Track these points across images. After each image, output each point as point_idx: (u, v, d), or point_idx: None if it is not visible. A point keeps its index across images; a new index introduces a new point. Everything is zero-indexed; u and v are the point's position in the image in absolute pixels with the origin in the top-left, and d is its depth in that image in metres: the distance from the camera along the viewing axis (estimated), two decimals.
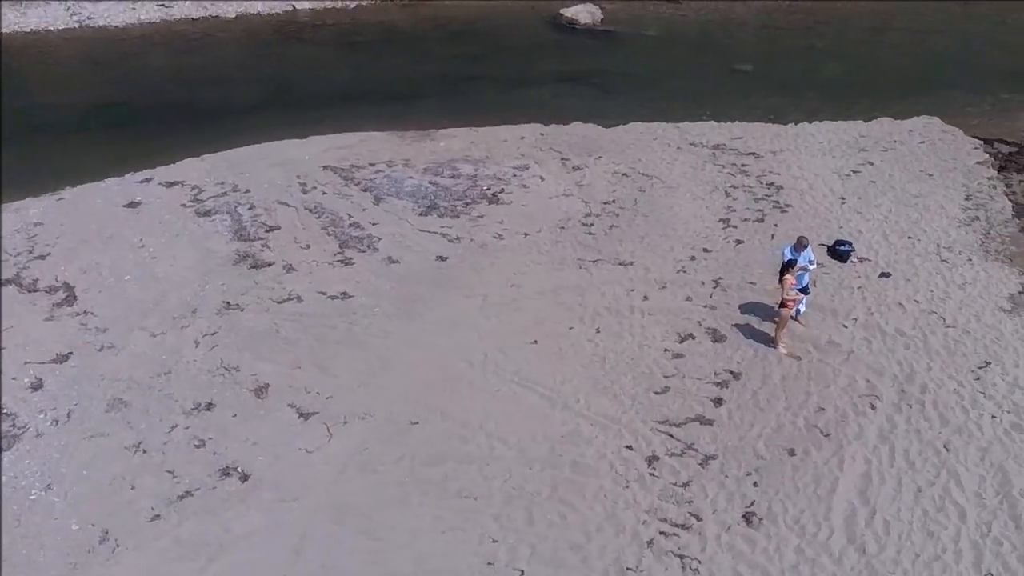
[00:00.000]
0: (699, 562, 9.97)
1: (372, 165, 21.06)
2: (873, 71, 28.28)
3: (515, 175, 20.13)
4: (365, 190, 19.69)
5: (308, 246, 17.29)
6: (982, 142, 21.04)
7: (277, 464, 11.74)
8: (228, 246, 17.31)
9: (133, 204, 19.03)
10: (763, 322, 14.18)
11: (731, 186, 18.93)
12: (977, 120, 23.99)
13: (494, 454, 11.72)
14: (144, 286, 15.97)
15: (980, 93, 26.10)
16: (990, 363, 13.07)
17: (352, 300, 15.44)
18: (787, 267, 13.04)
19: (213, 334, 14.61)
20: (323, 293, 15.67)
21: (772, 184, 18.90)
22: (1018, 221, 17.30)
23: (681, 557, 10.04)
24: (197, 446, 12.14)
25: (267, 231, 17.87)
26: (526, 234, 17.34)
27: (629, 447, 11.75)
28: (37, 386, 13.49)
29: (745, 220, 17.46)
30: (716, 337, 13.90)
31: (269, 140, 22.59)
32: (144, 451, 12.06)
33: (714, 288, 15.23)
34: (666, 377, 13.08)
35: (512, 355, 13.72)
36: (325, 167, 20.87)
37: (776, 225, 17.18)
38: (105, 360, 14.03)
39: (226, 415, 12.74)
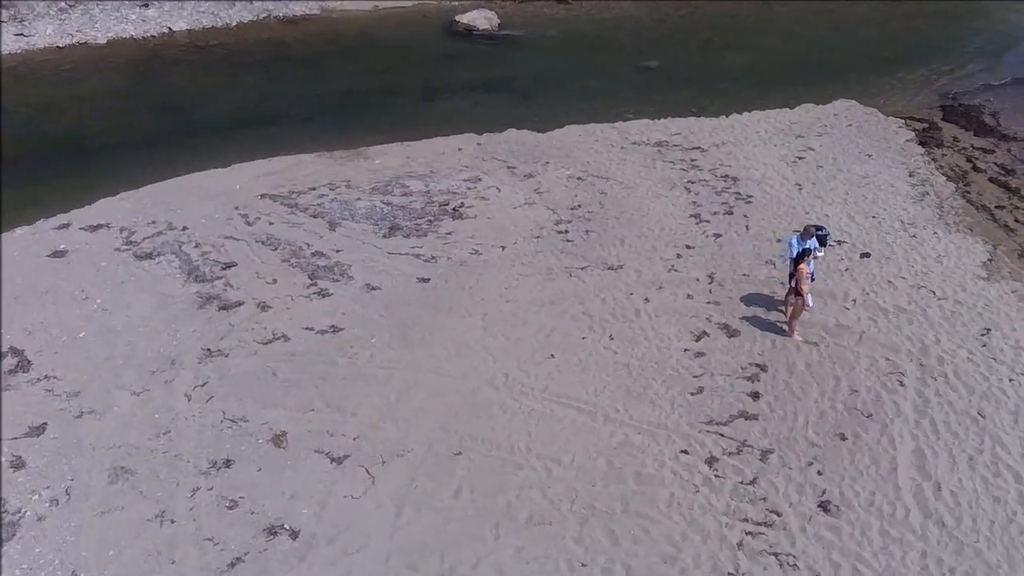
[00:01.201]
0: (794, 557, 10.20)
1: (313, 189, 20.36)
2: (773, 61, 29.68)
3: (470, 188, 19.95)
4: (315, 216, 19.02)
5: (275, 280, 16.54)
6: (903, 120, 22.43)
7: (325, 515, 11.18)
8: (185, 289, 16.33)
9: (58, 253, 17.64)
10: (769, 312, 14.65)
11: (688, 182, 19.44)
12: (882, 100, 25.68)
13: (552, 476, 11.57)
14: (105, 341, 14.84)
15: (871, 76, 27.91)
16: (990, 329, 14.02)
17: (343, 333, 14.88)
18: (802, 256, 13.50)
19: (203, 385, 13.76)
20: (310, 329, 15.03)
21: (727, 176, 19.56)
22: (962, 192, 18.59)
23: (775, 555, 10.24)
24: (229, 507, 11.40)
25: (223, 269, 16.99)
26: (503, 247, 17.22)
27: (684, 451, 11.88)
28: (18, 465, 12.33)
29: (715, 214, 17.98)
30: (730, 332, 14.25)
31: (184, 172, 21.42)
32: (172, 520, 11.22)
33: (710, 284, 15.60)
34: (695, 377, 13.30)
35: (533, 372, 13.60)
36: (263, 196, 20.02)
37: (746, 216, 17.78)
38: (89, 427, 12.96)
39: (249, 470, 12.02)
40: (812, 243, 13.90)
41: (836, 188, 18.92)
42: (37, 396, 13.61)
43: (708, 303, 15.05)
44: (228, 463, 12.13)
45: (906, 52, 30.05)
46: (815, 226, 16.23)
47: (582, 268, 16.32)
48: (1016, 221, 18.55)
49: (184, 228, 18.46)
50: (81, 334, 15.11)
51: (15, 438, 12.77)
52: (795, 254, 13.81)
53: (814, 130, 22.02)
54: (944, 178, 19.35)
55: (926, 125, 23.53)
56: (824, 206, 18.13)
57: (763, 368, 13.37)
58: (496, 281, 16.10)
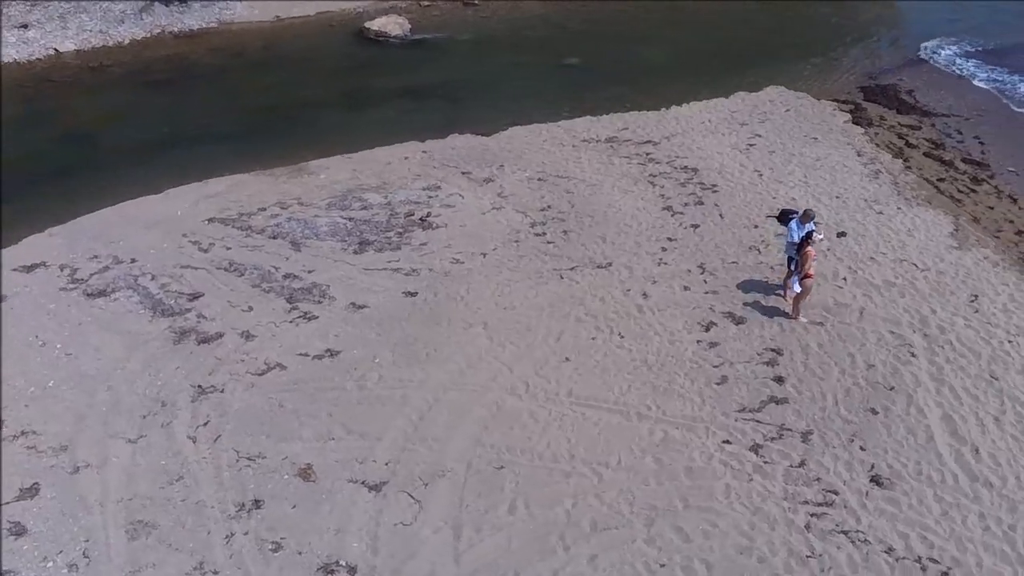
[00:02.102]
0: (863, 533, 10.52)
1: (263, 210, 19.64)
2: (688, 53, 30.55)
3: (431, 196, 19.68)
4: (275, 237, 18.35)
5: (250, 308, 15.87)
6: (835, 103, 23.51)
7: (380, 547, 10.80)
8: (154, 325, 15.47)
9: None
10: (768, 297, 15.08)
11: (650, 175, 19.79)
12: (803, 85, 26.83)
13: (604, 480, 11.55)
14: (81, 388, 13.90)
15: (783, 64, 29.15)
16: (977, 296, 14.86)
17: (342, 356, 14.42)
18: (806, 240, 13.93)
19: (205, 424, 13.05)
20: (305, 355, 14.49)
21: (686, 168, 20.00)
22: (910, 168, 19.64)
23: (844, 533, 10.54)
24: (273, 550, 10.86)
25: (190, 300, 16.19)
26: (483, 254, 17.07)
27: (727, 441, 12.07)
28: (19, 531, 11.40)
29: (686, 205, 18.36)
30: (736, 320, 14.57)
31: (111, 202, 20.28)
32: (214, 572, 10.60)
33: (702, 274, 15.92)
34: (715, 367, 13.53)
35: (553, 377, 13.53)
36: (210, 220, 19.19)
37: (717, 205, 18.24)
38: (89, 482, 12.10)
39: (282, 509, 11.49)
40: (810, 226, 14.35)
41: (794, 172, 19.63)
42: (20, 455, 12.61)
43: (706, 293, 15.34)
44: (257, 504, 11.54)
45: (812, 39, 31.60)
46: (783, 211, 16.82)
47: (571, 269, 16.34)
48: (960, 192, 19.71)
49: (133, 261, 17.48)
50: (50, 383, 14.09)
51: (7, 503, 11.78)
52: (796, 238, 14.22)
53: (755, 117, 22.78)
54: (890, 155, 20.34)
55: (852, 107, 24.71)
56: (787, 190, 18.78)
57: (779, 352, 13.73)
58: (487, 289, 15.92)
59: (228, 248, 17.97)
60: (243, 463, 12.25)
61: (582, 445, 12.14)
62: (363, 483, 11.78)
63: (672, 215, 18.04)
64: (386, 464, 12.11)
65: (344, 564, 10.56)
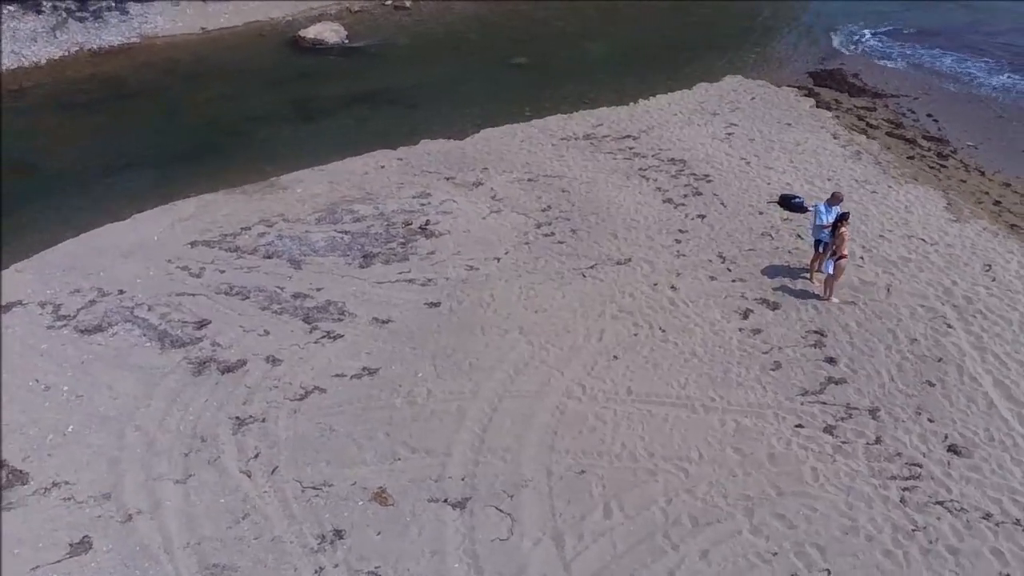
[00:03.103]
0: (958, 502, 10.85)
1: (247, 229, 18.94)
2: (633, 47, 31.01)
3: (423, 204, 19.34)
4: (270, 257, 17.71)
5: (267, 332, 15.25)
6: (796, 89, 24.24)
7: (484, 565, 10.52)
8: (166, 357, 14.72)
9: None
10: (795, 280, 15.41)
11: (640, 169, 19.95)
12: (755, 75, 27.59)
13: (691, 475, 11.56)
14: (106, 431, 13.10)
15: (730, 52, 30.01)
16: (990, 265, 15.53)
17: (381, 374, 14.01)
18: (840, 221, 14.27)
19: (256, 457, 12.47)
20: (342, 375, 14.03)
21: (674, 160, 20.26)
22: (888, 148, 20.41)
23: (940, 503, 10.85)
24: None
25: (197, 328, 15.47)
26: (497, 259, 16.87)
27: (800, 425, 12.26)
28: None
29: (685, 196, 18.58)
30: (771, 305, 14.82)
31: (73, 233, 19.21)
32: None
33: (723, 263, 16.14)
34: (764, 354, 13.74)
35: (607, 377, 13.48)
36: (192, 244, 18.39)
37: (716, 195, 18.54)
38: (146, 530, 11.40)
39: (368, 536, 11.08)
40: (838, 209, 14.71)
41: (779, 157, 20.13)
42: (57, 507, 11.78)
43: (733, 281, 15.55)
44: (339, 534, 11.09)
45: (746, 30, 32.61)
46: (783, 196, 17.26)
47: (591, 267, 16.31)
48: (931, 168, 20.60)
49: (121, 292, 16.58)
50: (68, 428, 13.23)
51: (58, 561, 10.98)
52: (826, 221, 14.56)
53: (725, 106, 23.26)
54: (865, 137, 21.08)
55: (806, 91, 25.50)
56: (778, 175, 19.23)
57: (822, 333, 14.03)
58: (511, 293, 15.74)
59: (222, 271, 17.24)
60: (310, 493, 11.74)
61: (658, 442, 12.11)
62: (445, 501, 11.45)
63: (675, 207, 18.21)
64: (462, 479, 11.81)
65: None
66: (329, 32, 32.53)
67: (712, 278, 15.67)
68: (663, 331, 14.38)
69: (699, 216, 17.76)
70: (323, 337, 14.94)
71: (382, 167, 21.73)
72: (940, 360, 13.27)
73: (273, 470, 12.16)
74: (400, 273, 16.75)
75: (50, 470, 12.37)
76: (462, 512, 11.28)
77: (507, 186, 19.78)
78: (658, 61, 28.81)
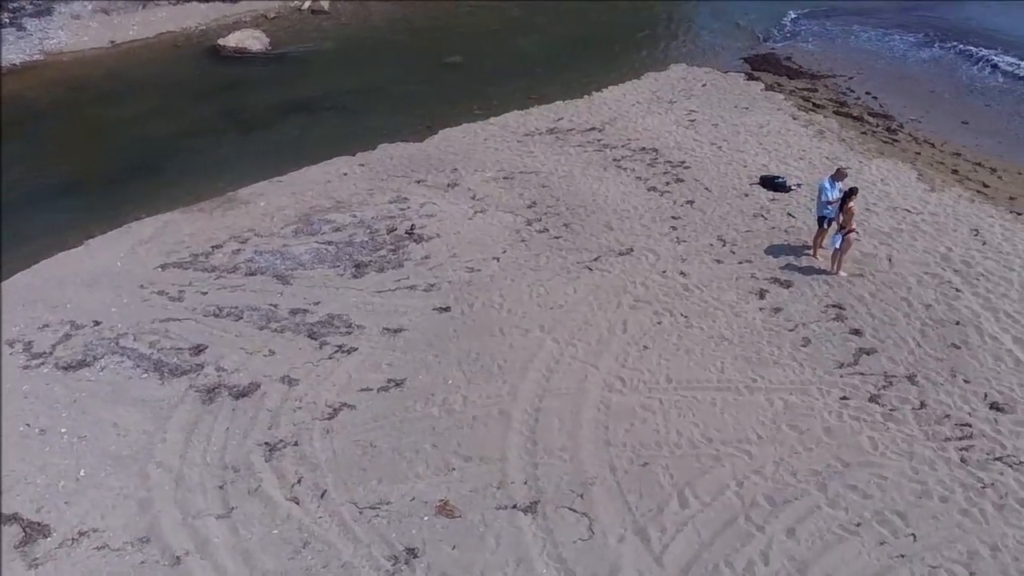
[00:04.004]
0: (1015, 456, 11.29)
1: (218, 247, 18.15)
2: (567, 42, 31.16)
3: (402, 209, 18.92)
4: (252, 274, 17.00)
5: (272, 352, 14.63)
6: (744, 74, 24.84)
7: (573, 567, 10.31)
8: (168, 388, 13.95)
9: None
10: (799, 258, 15.77)
11: (614, 160, 20.06)
12: (693, 62, 28.17)
13: (755, 456, 11.64)
14: (125, 471, 12.30)
15: (662, 43, 30.64)
16: (976, 230, 16.26)
17: (409, 384, 13.61)
18: (848, 196, 14.64)
19: (299, 482, 11.92)
20: (368, 390, 13.56)
21: (645, 149, 20.45)
22: (846, 125, 21.15)
23: (999, 459, 11.26)
24: None
25: (194, 354, 14.72)
26: (496, 259, 16.65)
27: (845, 398, 12.53)
28: None
29: (668, 184, 18.77)
30: (783, 284, 15.11)
31: (22, 266, 17.99)
32: None
33: (723, 246, 16.37)
34: (790, 331, 13.99)
35: (644, 367, 13.45)
36: (162, 267, 17.53)
37: (697, 180, 18.80)
38: (199, 572, 10.73)
39: (443, 551, 10.72)
40: (841, 184, 15.10)
41: (748, 140, 20.56)
42: (93, 558, 10.98)
43: (740, 263, 15.78)
44: (412, 553, 10.68)
45: (679, 18, 33.29)
46: (763, 177, 17.67)
47: (595, 259, 16.28)
48: (884, 143, 21.44)
49: (97, 323, 15.64)
50: (80, 473, 12.34)
51: None
52: (832, 196, 14.93)
53: (679, 94, 23.63)
54: (822, 116, 21.77)
55: (750, 76, 26.17)
56: (752, 157, 19.65)
57: (840, 307, 14.38)
58: (521, 292, 15.54)
59: (204, 293, 16.43)
60: (369, 514, 11.27)
61: (713, 427, 12.15)
62: (514, 507, 11.18)
63: (660, 195, 18.36)
64: (525, 483, 11.56)
65: None
66: (251, 40, 31.47)
67: (718, 261, 15.85)
68: (685, 317, 14.44)
69: (688, 202, 17.95)
70: (336, 352, 14.39)
71: (345, 174, 21.15)
72: (958, 323, 13.79)
73: (322, 494, 11.61)
74: (398, 280, 16.30)
75: (72, 519, 11.50)
76: (535, 516, 11.03)
77: (484, 185, 19.52)
78: (593, 55, 29.04)
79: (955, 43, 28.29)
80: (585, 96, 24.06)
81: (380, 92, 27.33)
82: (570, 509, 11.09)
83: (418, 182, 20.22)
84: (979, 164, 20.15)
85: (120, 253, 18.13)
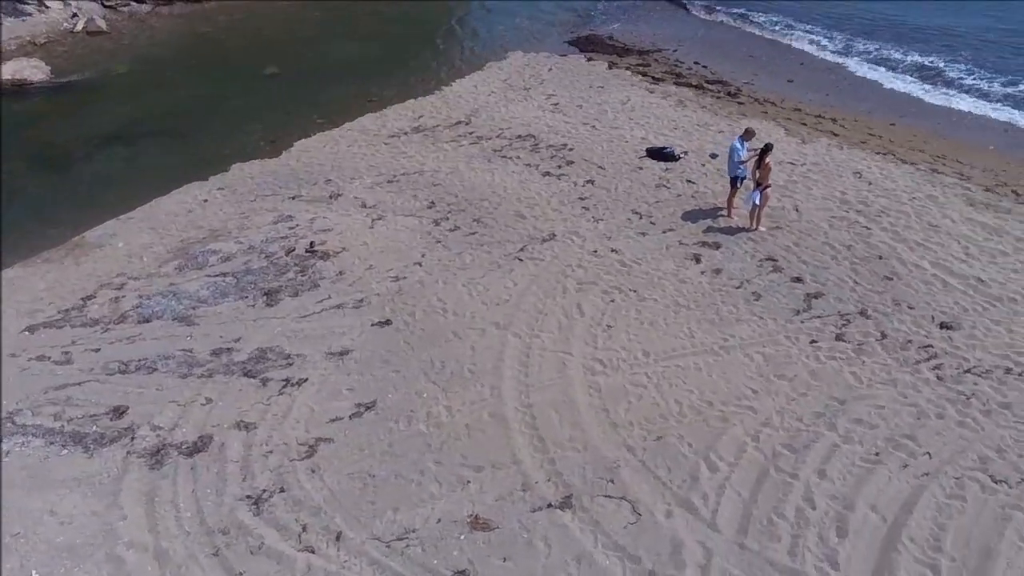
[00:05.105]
0: (980, 365, 12.46)
1: (90, 299, 16.45)
2: (379, 46, 30.71)
3: (291, 228, 17.94)
4: (146, 321, 15.53)
5: (209, 400, 13.45)
6: (581, 55, 25.63)
7: (635, 553, 10.25)
8: (100, 460, 12.46)
9: None
10: (717, 220, 16.56)
11: (494, 150, 20.07)
12: (520, 52, 28.71)
13: (758, 410, 12.04)
14: (89, 560, 10.83)
15: (483, 34, 30.98)
16: (859, 172, 17.78)
17: (381, 405, 12.94)
18: (765, 152, 15.46)
19: (304, 530, 11.07)
20: (338, 419, 12.78)
21: (521, 137, 20.61)
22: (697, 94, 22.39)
23: (969, 371, 12.41)
24: None
25: (116, 417, 13.30)
26: (418, 263, 16.19)
27: (814, 341, 13.32)
28: None
29: (560, 167, 19.02)
30: (712, 246, 15.78)
31: None
32: None
33: (641, 219, 16.84)
34: (738, 289, 14.65)
35: (616, 346, 13.55)
36: (30, 329, 15.64)
37: (586, 160, 19.18)
38: None
39: (495, 566, 10.31)
40: (748, 143, 15.96)
41: (618, 117, 21.23)
42: None
43: (664, 233, 16.29)
44: (464, 575, 10.23)
45: (490, 9, 33.71)
46: (649, 149, 18.45)
47: (521, 250, 16.21)
48: (740, 105, 22.88)
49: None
50: (33, 574, 10.80)
51: None
52: (743, 156, 15.74)
53: (530, 80, 24.01)
54: (675, 86, 22.89)
55: (589, 58, 27.02)
56: (629, 132, 20.33)
57: (773, 259, 15.23)
58: (458, 292, 15.21)
59: (96, 350, 14.79)
60: (398, 546, 10.64)
61: (707, 390, 12.49)
62: (549, 506, 10.95)
63: (558, 179, 18.56)
64: (549, 481, 11.35)
65: None
66: (30, 69, 28.47)
67: (643, 234, 16.26)
68: (635, 291, 14.71)
69: (588, 182, 18.27)
70: (285, 387, 13.42)
71: (206, 201, 19.70)
72: (880, 257, 15.02)
73: (337, 536, 10.81)
74: (320, 302, 15.43)
75: None
76: (573, 511, 10.84)
77: (370, 192, 18.87)
78: (418, 52, 28.91)
79: (739, 10, 30.68)
80: (436, 92, 23.84)
81: (202, 112, 25.66)
82: (606, 496, 10.99)
83: (293, 198, 19.18)
84: (820, 116, 21.95)
85: None
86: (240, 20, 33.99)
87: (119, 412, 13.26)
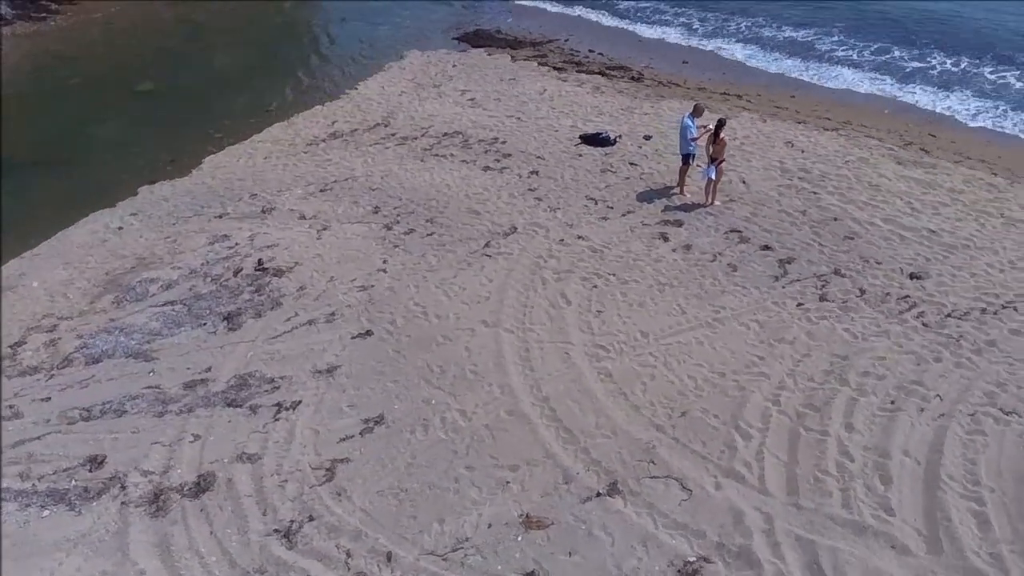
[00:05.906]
0: (958, 309, 13.35)
1: (20, 345, 15.31)
2: (258, 56, 29.72)
3: (231, 248, 17.11)
4: (97, 361, 14.52)
5: (196, 436, 12.70)
6: (482, 50, 25.63)
7: (699, 528, 10.46)
8: (91, 515, 11.55)
9: None
10: (670, 198, 16.96)
11: (424, 149, 19.80)
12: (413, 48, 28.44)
13: (771, 376, 12.40)
14: None
15: (359, 40, 30.54)
16: (791, 142, 18.63)
17: (390, 418, 12.57)
18: (719, 128, 15.92)
19: (350, 556, 10.67)
20: (348, 437, 12.35)
21: (447, 134, 20.42)
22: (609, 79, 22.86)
23: (949, 315, 13.25)
24: None
25: (95, 468, 12.38)
26: (382, 270, 15.79)
27: (800, 304, 13.87)
28: None
29: (499, 161, 18.96)
30: (675, 224, 16.15)
31: None
32: None
33: (597, 205, 17.03)
34: (712, 262, 15.07)
35: (613, 330, 13.64)
36: None
37: (524, 152, 19.20)
38: None
39: (563, 562, 10.24)
40: (699, 121, 16.42)
41: (540, 107, 21.36)
42: None
43: (624, 216, 16.55)
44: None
45: (372, 10, 33.21)
46: (583, 136, 18.79)
47: (486, 245, 16.08)
48: (651, 87, 23.49)
49: None
50: None
51: None
52: (695, 133, 16.19)
53: (439, 77, 23.81)
54: (583, 74, 23.24)
55: (490, 52, 27.02)
56: (557, 121, 20.50)
57: (737, 231, 15.74)
58: (434, 295, 14.94)
59: (46, 399, 13.70)
60: (455, 557, 10.39)
61: (716, 362, 12.79)
62: (597, 495, 10.96)
63: (500, 172, 18.50)
64: (588, 470, 11.36)
65: (696, 557, 10.03)
66: None
67: (604, 219, 16.45)
68: (614, 275, 14.87)
69: (532, 173, 18.30)
70: (279, 412, 12.80)
71: (120, 228, 18.53)
72: (836, 219, 15.81)
73: (388, 557, 10.44)
74: (287, 320, 14.80)
75: None
76: (624, 497, 10.89)
77: (304, 203, 18.23)
78: (305, 59, 28.14)
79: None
80: (343, 96, 23.29)
81: (76, 138, 23.99)
82: (651, 477, 11.08)
83: (220, 217, 18.28)
84: (726, 94, 22.87)
85: None
86: (95, 39, 31.96)
87: (97, 462, 12.30)
